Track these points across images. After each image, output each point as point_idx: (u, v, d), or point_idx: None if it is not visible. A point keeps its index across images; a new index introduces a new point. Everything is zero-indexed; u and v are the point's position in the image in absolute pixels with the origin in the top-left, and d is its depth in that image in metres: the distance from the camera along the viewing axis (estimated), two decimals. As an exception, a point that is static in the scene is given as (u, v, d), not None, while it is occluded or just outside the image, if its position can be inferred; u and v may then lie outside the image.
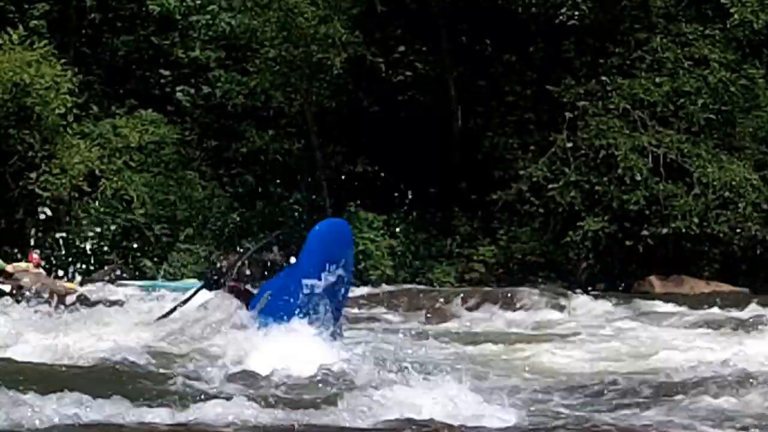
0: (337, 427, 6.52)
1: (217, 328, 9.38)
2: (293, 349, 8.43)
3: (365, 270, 21.28)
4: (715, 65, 21.21)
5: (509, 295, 16.29)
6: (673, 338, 12.27)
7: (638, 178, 20.46)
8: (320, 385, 7.57)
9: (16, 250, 19.80)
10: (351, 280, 9.04)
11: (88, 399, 6.74)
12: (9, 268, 14.98)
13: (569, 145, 21.14)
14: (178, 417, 6.58)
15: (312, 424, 6.55)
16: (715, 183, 20.48)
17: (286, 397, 7.25)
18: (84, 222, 21.35)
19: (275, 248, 24.52)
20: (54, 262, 20.68)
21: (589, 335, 12.55)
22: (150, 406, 6.84)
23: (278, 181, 24.00)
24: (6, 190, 21.30)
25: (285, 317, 8.48)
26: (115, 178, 21.82)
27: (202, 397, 7.24)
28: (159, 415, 6.58)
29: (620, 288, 19.81)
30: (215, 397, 7.17)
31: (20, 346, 9.72)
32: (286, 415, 6.75)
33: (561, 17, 21.05)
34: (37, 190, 20.75)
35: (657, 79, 21.23)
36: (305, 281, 8.54)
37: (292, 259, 9.16)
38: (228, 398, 7.02)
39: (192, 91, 24.36)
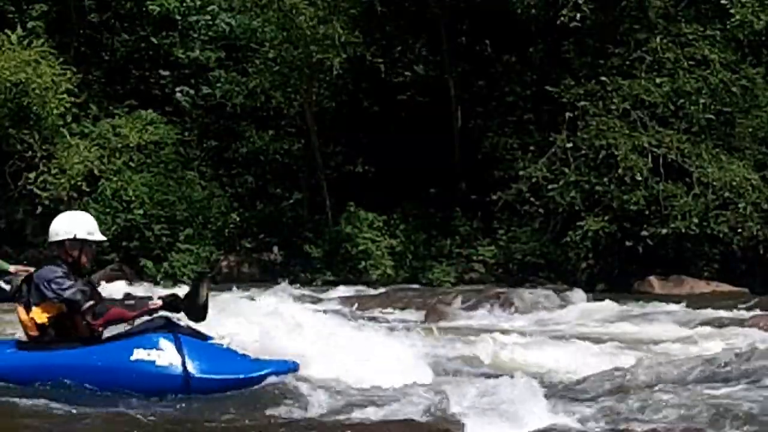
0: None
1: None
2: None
3: (365, 270, 21.28)
4: (716, 66, 21.19)
5: (509, 295, 16.29)
6: (673, 338, 12.28)
7: (638, 178, 20.44)
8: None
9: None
10: None
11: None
12: (12, 269, 14.93)
13: (569, 145, 21.12)
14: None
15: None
16: (715, 183, 20.46)
17: (317, 393, 7.27)
18: (83, 222, 21.30)
19: (275, 248, 24.54)
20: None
21: (589, 335, 12.56)
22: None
23: (278, 181, 24.00)
24: (5, 190, 21.27)
25: None
26: (114, 179, 21.79)
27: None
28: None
29: (620, 288, 19.78)
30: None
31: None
32: (316, 412, 6.80)
33: (562, 18, 21.02)
34: (36, 190, 20.72)
35: (657, 80, 21.20)
36: None
37: None
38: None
39: (192, 91, 24.35)
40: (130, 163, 22.14)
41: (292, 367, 7.65)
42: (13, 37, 21.16)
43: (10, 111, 20.75)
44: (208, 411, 7.12)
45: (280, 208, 23.38)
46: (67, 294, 7.47)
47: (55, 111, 20.95)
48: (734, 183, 20.42)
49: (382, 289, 18.90)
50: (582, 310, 15.70)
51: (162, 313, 7.70)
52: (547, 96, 21.66)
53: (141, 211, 21.61)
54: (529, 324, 14.27)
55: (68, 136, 21.46)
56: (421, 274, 21.41)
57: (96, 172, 21.47)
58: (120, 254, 21.55)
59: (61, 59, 21.44)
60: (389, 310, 15.83)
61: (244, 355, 7.72)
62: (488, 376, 8.14)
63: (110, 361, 7.44)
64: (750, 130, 21.44)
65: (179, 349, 7.50)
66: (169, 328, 7.65)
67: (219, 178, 23.49)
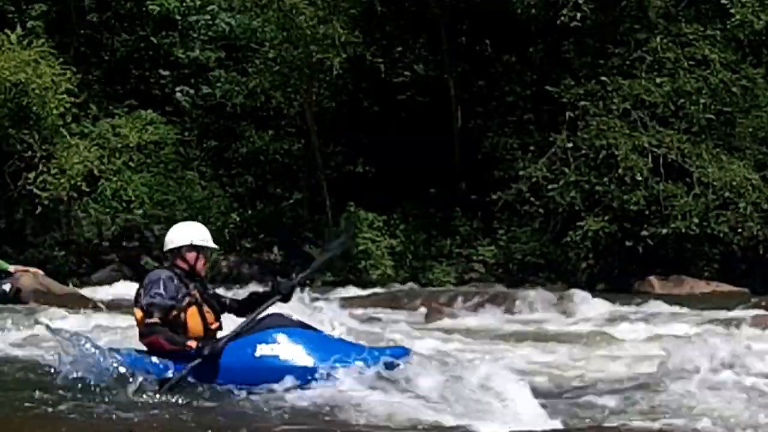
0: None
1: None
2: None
3: (365, 270, 21.28)
4: (716, 66, 21.20)
5: (509, 295, 16.28)
6: (672, 338, 12.26)
7: (638, 178, 20.45)
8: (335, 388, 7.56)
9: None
10: None
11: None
12: (11, 269, 14.94)
13: (569, 145, 21.13)
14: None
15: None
16: (715, 183, 20.47)
17: (303, 396, 7.25)
18: (83, 222, 21.32)
19: (275, 248, 24.47)
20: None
21: (588, 335, 12.54)
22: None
23: (278, 181, 23.99)
24: (5, 190, 21.25)
25: None
26: (114, 178, 21.78)
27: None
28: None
29: (620, 288, 19.78)
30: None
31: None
32: (304, 414, 6.77)
33: (563, 18, 21.03)
34: (35, 190, 20.70)
35: (657, 80, 21.22)
36: None
37: None
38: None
39: (192, 91, 24.34)
40: (130, 163, 22.13)
41: (405, 353, 7.75)
42: (13, 37, 21.14)
43: (9, 111, 20.74)
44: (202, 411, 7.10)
45: (280, 208, 23.37)
46: (144, 300, 7.73)
47: (54, 111, 20.93)
48: (734, 183, 20.43)
49: (382, 289, 18.88)
50: (582, 310, 15.68)
51: (272, 309, 7.94)
52: (547, 96, 21.67)
53: (141, 211, 21.60)
54: (529, 324, 14.24)
55: (68, 136, 21.44)
56: (421, 274, 21.41)
57: (96, 172, 21.45)
58: (120, 254, 21.55)
59: (61, 59, 21.42)
60: (389, 310, 15.81)
61: (357, 344, 7.90)
62: (486, 376, 8.11)
63: (235, 358, 7.62)
64: (750, 130, 21.47)
65: (299, 343, 7.68)
66: (284, 323, 7.84)
67: (219, 178, 23.49)
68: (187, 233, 8.05)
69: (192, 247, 8.00)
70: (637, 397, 8.00)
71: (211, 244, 8.08)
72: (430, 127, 22.75)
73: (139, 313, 7.77)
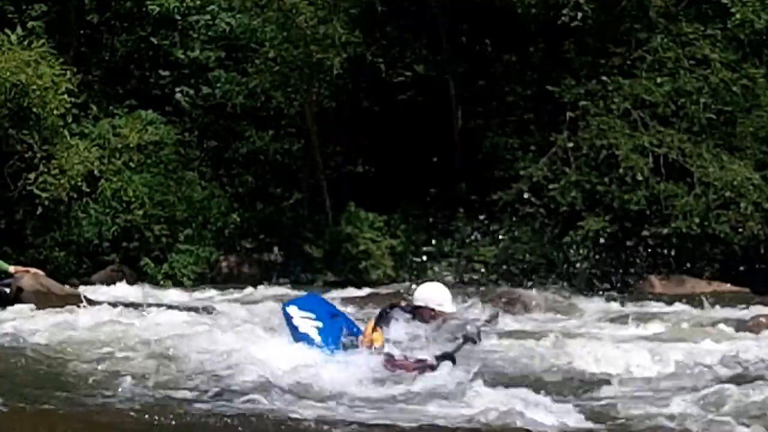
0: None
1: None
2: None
3: (365, 270, 21.27)
4: (716, 65, 21.18)
5: (509, 295, 16.27)
6: (673, 338, 12.26)
7: (639, 178, 20.43)
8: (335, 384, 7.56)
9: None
10: None
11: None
12: (11, 269, 14.93)
13: (570, 145, 21.11)
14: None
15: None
16: (716, 183, 20.44)
17: (306, 397, 7.25)
18: (83, 223, 21.31)
19: (275, 248, 24.45)
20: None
21: (589, 335, 12.54)
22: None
23: (278, 181, 23.96)
24: (5, 190, 21.24)
25: None
26: (114, 179, 21.78)
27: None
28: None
29: (621, 288, 19.78)
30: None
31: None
32: (300, 414, 6.76)
33: (563, 18, 21.01)
34: (36, 190, 20.70)
35: (658, 79, 21.19)
36: None
37: None
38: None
39: (191, 91, 24.31)
40: (130, 164, 22.12)
41: None
42: (13, 38, 21.13)
43: (9, 111, 20.73)
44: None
45: (280, 208, 23.35)
46: (385, 334, 8.88)
47: (55, 111, 20.93)
48: (735, 183, 20.40)
49: (382, 290, 18.87)
50: (582, 310, 15.68)
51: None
52: (548, 96, 21.65)
53: (141, 212, 21.60)
54: (529, 324, 14.24)
55: (68, 137, 21.44)
56: (422, 274, 21.38)
57: (96, 172, 21.45)
58: (120, 255, 21.54)
59: (61, 59, 21.41)
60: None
61: None
62: (485, 375, 8.12)
63: None
64: (751, 129, 21.43)
65: None
66: None
67: (219, 179, 23.46)
68: (427, 297, 9.21)
69: (428, 309, 9.14)
70: (636, 397, 8.00)
71: (447, 308, 9.17)
72: (430, 127, 22.72)
73: (377, 334, 8.97)
